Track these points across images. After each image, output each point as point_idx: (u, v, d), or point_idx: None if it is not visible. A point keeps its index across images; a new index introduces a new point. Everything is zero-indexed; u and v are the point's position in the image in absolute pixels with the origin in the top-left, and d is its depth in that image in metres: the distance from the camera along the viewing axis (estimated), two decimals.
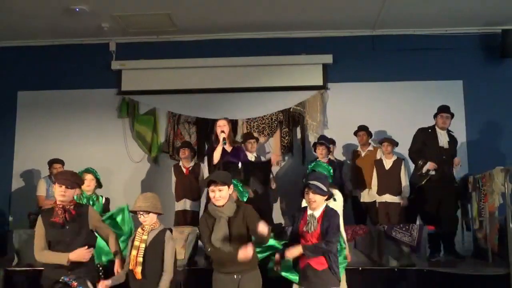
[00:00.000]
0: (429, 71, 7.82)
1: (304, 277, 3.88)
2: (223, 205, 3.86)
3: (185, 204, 6.79)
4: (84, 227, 3.96)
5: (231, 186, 3.95)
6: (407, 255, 5.58)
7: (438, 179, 6.27)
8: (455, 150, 6.54)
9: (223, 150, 5.82)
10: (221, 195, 3.86)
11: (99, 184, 5.65)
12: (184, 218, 6.72)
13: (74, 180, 4.03)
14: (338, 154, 7.58)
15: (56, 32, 7.89)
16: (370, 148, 7.12)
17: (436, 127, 6.48)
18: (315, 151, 6.85)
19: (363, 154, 7.12)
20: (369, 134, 7.15)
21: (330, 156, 6.81)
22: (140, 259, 3.85)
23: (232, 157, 5.82)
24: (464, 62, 7.84)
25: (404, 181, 6.62)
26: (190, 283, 5.25)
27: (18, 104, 8.21)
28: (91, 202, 5.39)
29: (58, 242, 3.85)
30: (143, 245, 3.88)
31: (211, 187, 3.88)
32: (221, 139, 5.76)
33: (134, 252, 3.89)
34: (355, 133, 7.18)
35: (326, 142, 6.69)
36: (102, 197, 5.63)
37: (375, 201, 6.79)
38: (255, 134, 7.81)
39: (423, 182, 6.33)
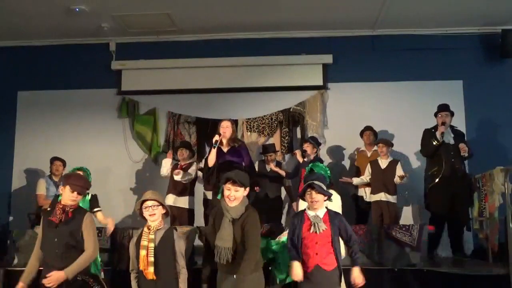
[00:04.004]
0: (429, 71, 7.81)
1: (311, 279, 3.80)
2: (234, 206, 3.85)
3: (172, 199, 6.70)
4: (76, 232, 3.89)
5: (247, 189, 3.91)
6: (407, 255, 5.58)
7: (450, 175, 6.27)
8: (465, 143, 6.49)
9: (220, 150, 5.79)
10: (236, 195, 3.84)
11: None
12: (172, 213, 6.65)
13: (86, 187, 4.06)
14: (337, 154, 7.59)
15: (56, 32, 7.89)
16: (376, 148, 7.11)
17: (438, 126, 6.51)
18: (301, 150, 6.87)
19: (369, 154, 7.12)
20: (375, 134, 7.16)
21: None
22: (152, 259, 3.80)
23: (231, 156, 5.78)
24: (464, 62, 7.83)
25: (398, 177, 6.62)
26: (189, 283, 5.24)
27: (18, 104, 8.21)
28: None
29: (49, 242, 3.85)
30: (152, 245, 3.83)
31: (227, 185, 3.85)
32: (213, 141, 5.74)
33: (143, 252, 3.83)
34: (361, 133, 7.20)
35: (313, 141, 6.68)
36: (88, 194, 5.57)
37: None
38: (255, 134, 7.83)
39: (436, 181, 6.32)
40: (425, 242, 5.69)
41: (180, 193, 6.74)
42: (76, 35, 8.00)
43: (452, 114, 6.52)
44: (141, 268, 3.87)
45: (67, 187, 3.93)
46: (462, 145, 6.34)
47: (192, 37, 8.09)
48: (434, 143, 6.32)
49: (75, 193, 3.92)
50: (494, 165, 5.85)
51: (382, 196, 6.62)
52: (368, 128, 7.20)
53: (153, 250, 3.82)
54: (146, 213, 3.95)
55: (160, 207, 3.95)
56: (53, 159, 7.01)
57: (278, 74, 7.89)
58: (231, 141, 5.85)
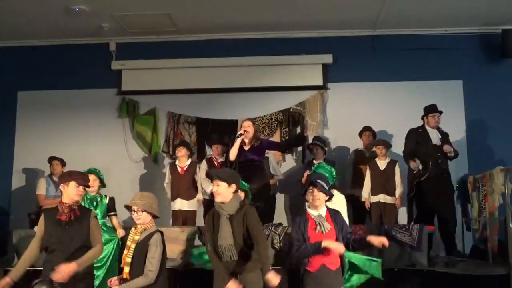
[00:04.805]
0: (429, 71, 7.81)
1: (316, 279, 3.77)
2: (223, 202, 3.86)
3: (180, 203, 6.72)
4: (85, 229, 3.96)
5: (233, 185, 3.89)
6: (407, 255, 5.58)
7: (435, 176, 6.28)
8: (449, 143, 6.51)
9: (241, 148, 5.87)
10: (218, 190, 3.87)
11: (102, 184, 5.65)
12: (181, 218, 6.66)
13: (88, 180, 4.16)
14: (339, 154, 7.59)
15: (56, 32, 7.89)
16: (374, 149, 7.10)
17: (426, 126, 6.50)
18: (310, 152, 6.86)
19: (367, 154, 7.11)
20: (374, 135, 7.16)
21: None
22: (129, 260, 3.79)
23: (252, 155, 5.89)
24: (464, 62, 7.83)
25: (399, 182, 6.62)
26: (189, 283, 5.25)
27: (18, 104, 8.22)
28: (94, 203, 5.38)
29: (59, 241, 3.85)
30: (133, 246, 3.82)
31: (214, 181, 3.92)
32: (237, 134, 5.83)
33: (125, 252, 3.86)
34: (360, 134, 7.20)
35: (321, 143, 6.68)
36: (106, 196, 5.62)
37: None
38: None
39: (421, 179, 6.34)
40: (425, 242, 5.68)
41: (188, 197, 6.75)
42: (76, 35, 8.00)
43: (440, 113, 6.54)
44: (122, 266, 3.89)
45: (73, 183, 3.94)
46: (446, 147, 6.37)
47: (192, 37, 8.09)
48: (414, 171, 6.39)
49: (81, 187, 3.98)
50: (494, 165, 5.86)
51: (381, 198, 6.62)
52: (367, 129, 7.20)
53: (132, 251, 3.81)
54: (132, 215, 3.91)
55: (145, 212, 3.86)
56: (51, 159, 7.03)
57: (278, 74, 7.89)
58: (251, 140, 5.97)
